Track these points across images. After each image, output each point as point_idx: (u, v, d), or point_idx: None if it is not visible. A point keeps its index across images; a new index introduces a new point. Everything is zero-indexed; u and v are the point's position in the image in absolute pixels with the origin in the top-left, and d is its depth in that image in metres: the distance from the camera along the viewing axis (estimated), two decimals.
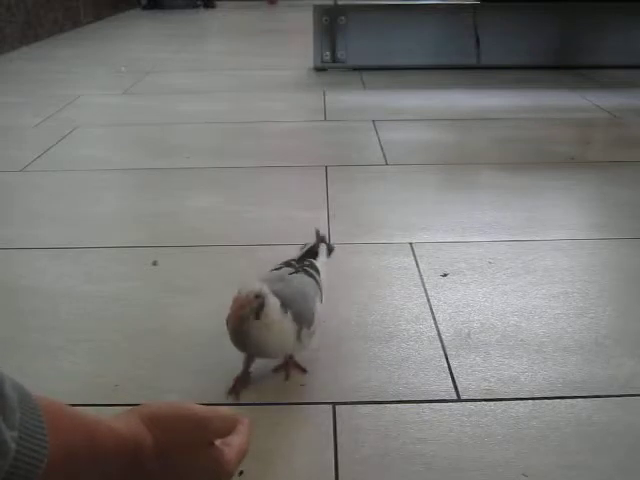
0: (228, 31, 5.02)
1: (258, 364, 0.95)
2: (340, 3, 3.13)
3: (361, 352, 0.97)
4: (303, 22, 3.54)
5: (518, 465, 0.75)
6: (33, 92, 2.76)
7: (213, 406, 0.65)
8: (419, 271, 1.20)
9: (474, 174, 1.75)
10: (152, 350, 0.98)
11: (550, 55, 3.09)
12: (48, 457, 0.47)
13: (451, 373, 0.91)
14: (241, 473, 0.72)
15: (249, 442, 0.64)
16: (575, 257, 1.25)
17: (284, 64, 3.33)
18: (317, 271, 0.95)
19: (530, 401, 0.86)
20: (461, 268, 1.21)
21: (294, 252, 1.01)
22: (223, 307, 0.83)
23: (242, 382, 0.89)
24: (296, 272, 0.93)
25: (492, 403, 0.85)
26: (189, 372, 0.93)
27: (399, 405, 0.85)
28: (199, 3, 6.27)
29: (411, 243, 1.31)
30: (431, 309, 1.07)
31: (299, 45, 3.54)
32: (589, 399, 0.86)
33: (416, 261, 1.23)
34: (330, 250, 1.04)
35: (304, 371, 0.92)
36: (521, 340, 0.99)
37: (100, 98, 2.68)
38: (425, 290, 1.13)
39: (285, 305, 0.83)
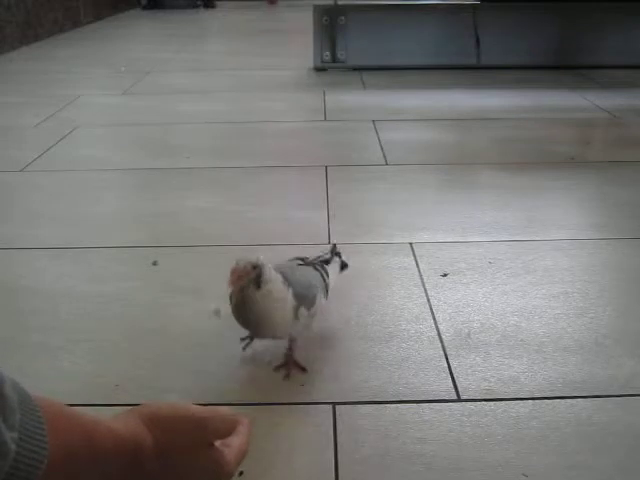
0: (228, 31, 5.01)
1: (258, 364, 0.95)
2: (340, 3, 3.13)
3: (361, 352, 0.97)
4: (303, 22, 3.54)
5: (518, 465, 0.75)
6: (33, 92, 2.76)
7: (213, 406, 0.65)
8: (419, 271, 1.20)
9: (474, 174, 1.75)
10: (152, 350, 0.98)
11: (550, 55, 3.09)
12: (48, 458, 0.47)
13: (451, 373, 0.91)
14: (241, 473, 0.72)
15: (249, 442, 0.64)
16: (575, 257, 1.25)
17: (284, 64, 3.33)
18: (326, 272, 0.96)
19: (530, 401, 0.86)
20: (461, 268, 1.21)
21: (294, 252, 1.01)
22: (223, 307, 0.83)
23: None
24: (305, 265, 0.96)
25: (492, 403, 0.85)
26: (189, 372, 0.93)
27: (399, 405, 0.85)
28: (199, 3, 6.27)
29: (411, 243, 1.31)
30: (431, 309, 1.07)
31: (299, 45, 3.54)
32: (589, 399, 0.86)
33: (416, 261, 1.23)
34: (343, 266, 1.05)
35: (304, 370, 0.92)
36: (521, 340, 0.99)
37: (100, 98, 2.68)
38: (425, 290, 1.13)
39: (287, 283, 0.85)
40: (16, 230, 1.41)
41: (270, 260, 0.86)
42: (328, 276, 0.97)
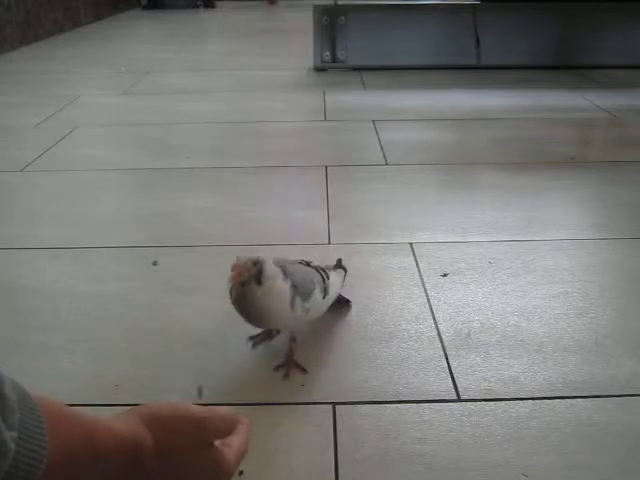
0: (228, 31, 5.02)
1: (258, 364, 0.95)
2: (340, 3, 3.13)
3: (361, 352, 0.97)
4: (303, 22, 3.54)
5: (518, 465, 0.75)
6: (33, 92, 2.76)
7: (212, 406, 0.65)
8: (419, 271, 1.20)
9: (474, 174, 1.75)
10: (152, 350, 0.98)
11: (550, 55, 3.09)
12: (48, 457, 0.47)
13: (451, 373, 0.91)
14: (241, 473, 0.72)
15: (249, 442, 0.64)
16: (575, 257, 1.25)
17: (284, 64, 3.33)
18: (327, 275, 0.97)
19: (530, 401, 0.86)
20: (461, 268, 1.21)
21: (294, 252, 1.01)
22: (223, 307, 0.84)
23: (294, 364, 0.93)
24: (307, 265, 0.97)
25: (492, 403, 0.85)
26: (189, 372, 0.93)
27: (399, 405, 0.85)
28: (199, 3, 6.27)
29: (411, 243, 1.31)
30: (431, 309, 1.07)
31: (299, 45, 3.54)
32: (589, 399, 0.86)
33: (416, 261, 1.23)
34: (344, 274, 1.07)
35: (304, 371, 0.92)
36: (521, 340, 0.99)
37: (100, 98, 2.68)
38: (425, 290, 1.13)
39: (286, 276, 0.87)
40: (16, 230, 1.41)
41: (270, 256, 0.87)
42: (328, 278, 0.97)
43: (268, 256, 0.87)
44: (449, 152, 1.93)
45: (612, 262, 1.25)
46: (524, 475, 0.74)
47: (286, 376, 0.91)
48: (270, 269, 0.84)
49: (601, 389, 0.88)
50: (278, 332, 0.99)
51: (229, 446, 0.61)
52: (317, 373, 0.92)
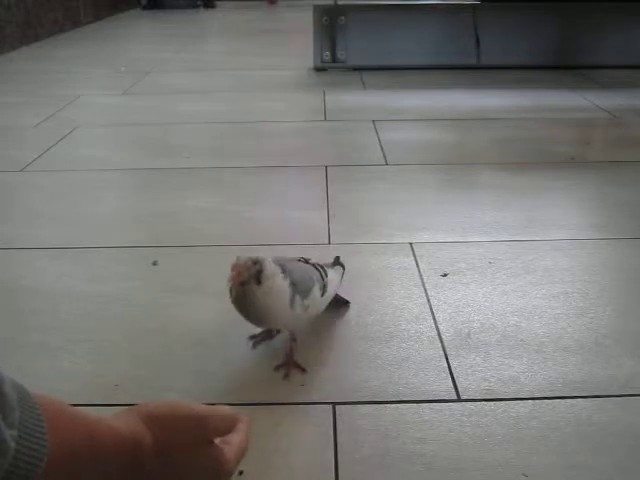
0: (228, 31, 5.02)
1: (258, 364, 0.95)
2: (340, 3, 3.13)
3: (361, 352, 0.97)
4: (303, 22, 3.54)
5: (518, 465, 0.75)
6: (33, 92, 2.76)
7: (212, 405, 0.65)
8: (419, 271, 1.20)
9: (474, 174, 1.75)
10: (152, 350, 0.98)
11: (550, 55, 3.09)
12: (48, 456, 0.47)
13: (451, 373, 0.91)
14: (241, 473, 0.72)
15: (249, 441, 0.64)
16: (575, 257, 1.25)
17: (284, 64, 3.33)
18: (325, 272, 0.97)
19: (530, 401, 0.86)
20: (461, 268, 1.21)
21: (294, 252, 1.01)
22: (223, 307, 0.84)
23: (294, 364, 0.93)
24: (305, 263, 0.97)
25: (492, 403, 0.85)
26: (189, 372, 0.93)
27: (399, 405, 0.85)
28: (199, 3, 6.27)
29: (411, 243, 1.31)
30: (431, 309, 1.07)
31: (299, 45, 3.54)
32: (589, 399, 0.86)
33: (416, 261, 1.23)
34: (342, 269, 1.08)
35: (304, 371, 0.92)
36: (521, 340, 0.99)
37: (100, 98, 2.68)
38: (425, 290, 1.13)
39: (285, 274, 0.86)
40: (16, 230, 1.41)
41: (269, 255, 0.87)
42: (327, 275, 0.97)
43: (268, 255, 0.87)
44: (449, 152, 1.93)
45: (612, 262, 1.25)
46: (524, 475, 0.74)
47: (286, 376, 0.91)
48: (270, 268, 0.84)
49: (601, 389, 0.88)
50: (278, 332, 0.99)
51: (229, 444, 0.62)
52: (317, 373, 0.92)
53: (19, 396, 0.47)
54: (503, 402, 0.86)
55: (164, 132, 2.16)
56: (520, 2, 3.09)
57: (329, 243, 1.31)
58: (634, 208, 1.48)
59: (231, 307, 0.87)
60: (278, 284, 0.85)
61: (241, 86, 2.85)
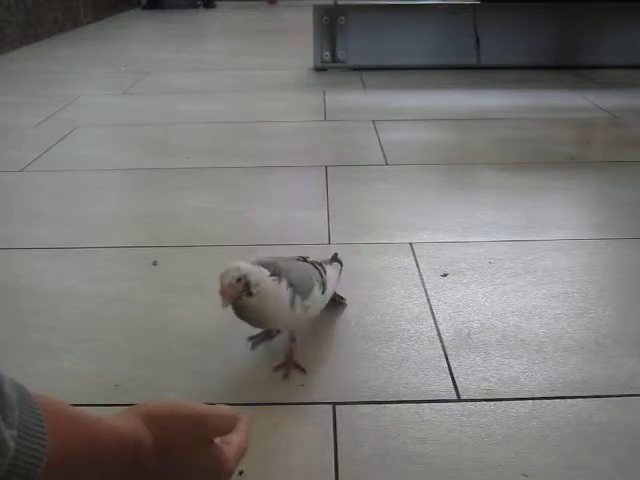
0: (228, 31, 5.02)
1: (258, 364, 0.95)
2: (340, 3, 3.13)
3: (361, 352, 0.97)
4: (303, 22, 3.54)
5: (518, 465, 0.75)
6: (33, 92, 2.76)
7: (212, 405, 0.65)
8: (419, 271, 1.20)
9: (474, 174, 1.75)
10: (152, 350, 0.98)
11: (550, 55, 3.09)
12: (48, 456, 0.47)
13: (451, 373, 0.91)
14: (241, 473, 0.72)
15: (249, 440, 0.64)
16: (575, 257, 1.25)
17: (284, 64, 3.33)
18: (324, 270, 0.97)
19: (530, 401, 0.86)
20: (461, 268, 1.21)
21: (294, 252, 1.01)
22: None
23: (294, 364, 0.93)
24: (304, 262, 0.97)
25: (492, 403, 0.85)
26: (189, 372, 0.93)
27: (399, 405, 0.85)
28: (199, 3, 6.27)
29: (411, 243, 1.31)
30: (431, 309, 1.07)
31: (299, 45, 3.54)
32: (589, 399, 0.86)
33: (416, 261, 1.23)
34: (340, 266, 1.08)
35: (304, 371, 0.92)
36: (521, 340, 0.99)
37: (100, 98, 2.68)
38: (425, 290, 1.13)
39: (278, 274, 0.86)
40: (16, 230, 1.41)
41: (255, 255, 0.87)
42: (325, 273, 0.97)
43: (253, 258, 0.86)
44: (449, 152, 1.93)
45: (612, 262, 1.25)
46: (524, 475, 0.74)
47: (286, 376, 0.91)
48: (255, 275, 0.83)
49: (601, 389, 0.88)
50: (278, 332, 0.99)
51: (229, 444, 0.61)
52: (317, 373, 0.92)
53: (19, 396, 0.47)
54: (503, 402, 0.86)
55: (164, 132, 2.16)
56: (520, 2, 3.09)
57: (329, 243, 1.31)
58: (634, 208, 1.48)
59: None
60: (271, 287, 0.84)
61: (241, 86, 2.85)
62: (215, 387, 0.90)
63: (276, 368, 0.92)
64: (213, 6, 6.25)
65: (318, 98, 2.57)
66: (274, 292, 0.85)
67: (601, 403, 0.85)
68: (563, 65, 3.06)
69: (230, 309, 0.84)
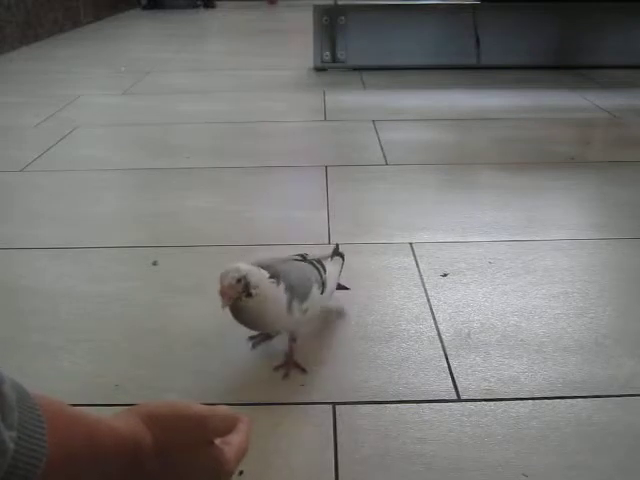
0: (228, 31, 5.02)
1: (258, 364, 0.95)
2: (340, 3, 3.13)
3: (361, 352, 0.97)
4: (303, 22, 3.54)
5: (518, 465, 0.75)
6: (33, 92, 2.76)
7: (213, 405, 0.65)
8: (419, 271, 1.20)
9: (474, 174, 1.75)
10: (152, 350, 0.98)
11: (550, 55, 3.09)
12: (47, 457, 0.47)
13: (451, 373, 0.91)
14: (241, 473, 0.72)
15: (249, 441, 0.64)
16: (575, 257, 1.25)
17: (284, 64, 3.33)
18: (324, 268, 0.97)
19: (530, 401, 0.86)
20: (461, 268, 1.21)
21: (294, 252, 1.01)
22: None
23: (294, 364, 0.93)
24: (303, 261, 0.96)
25: (492, 403, 0.85)
26: (189, 372, 0.93)
27: (399, 405, 0.85)
28: (199, 3, 6.27)
29: (411, 243, 1.31)
30: (431, 309, 1.07)
31: (299, 45, 3.54)
32: (589, 399, 0.86)
33: (416, 261, 1.23)
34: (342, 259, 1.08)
35: (304, 371, 0.92)
36: (521, 340, 0.99)
37: (100, 98, 2.68)
38: (425, 290, 1.13)
39: (277, 277, 0.85)
40: (16, 230, 1.41)
41: (254, 256, 0.87)
42: (325, 272, 0.97)
43: (257, 257, 0.86)
44: (449, 152, 1.93)
45: (612, 262, 1.25)
46: (524, 475, 0.74)
47: (286, 376, 0.91)
48: (255, 276, 0.83)
49: (601, 389, 0.88)
50: (278, 332, 0.99)
51: (229, 445, 0.61)
52: (317, 373, 0.92)
53: (19, 396, 0.47)
54: (503, 402, 0.86)
55: (164, 132, 2.16)
56: (520, 2, 3.09)
57: (329, 243, 1.31)
58: (634, 208, 1.48)
59: None
60: (271, 291, 0.84)
61: (241, 86, 2.85)
62: (215, 387, 0.90)
63: (276, 368, 0.92)
64: (213, 6, 6.25)
65: (318, 98, 2.57)
66: (273, 294, 0.85)
67: (601, 403, 0.85)
68: (563, 65, 3.06)
69: (228, 311, 0.84)
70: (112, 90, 2.78)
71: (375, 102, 2.52)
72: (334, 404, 0.86)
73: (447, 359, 0.95)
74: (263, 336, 0.98)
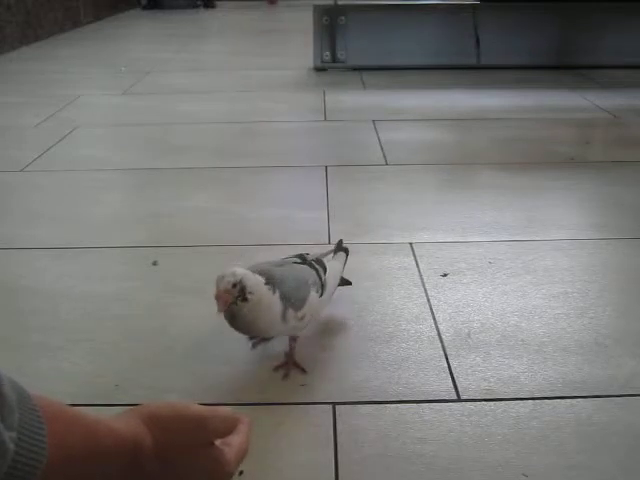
0: (228, 31, 5.02)
1: (258, 364, 0.95)
2: (340, 3, 3.13)
3: (361, 352, 0.97)
4: (303, 22, 3.54)
5: (518, 465, 0.75)
6: (33, 92, 2.76)
7: (213, 406, 0.65)
8: (419, 271, 1.20)
9: (474, 174, 1.75)
10: (152, 350, 0.98)
11: (550, 55, 3.09)
12: (47, 458, 0.47)
13: (451, 373, 0.91)
14: (241, 473, 0.72)
15: (249, 442, 0.64)
16: (575, 257, 1.25)
17: (284, 64, 3.33)
18: (324, 268, 0.96)
19: (530, 401, 0.86)
20: (461, 268, 1.21)
21: (294, 252, 1.01)
22: None
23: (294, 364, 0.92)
24: (302, 264, 0.95)
25: (492, 403, 0.85)
26: (189, 372, 0.93)
27: (399, 405, 0.85)
28: (199, 3, 6.27)
29: (411, 243, 1.31)
30: (431, 309, 1.07)
31: (299, 45, 3.54)
32: (589, 399, 0.86)
33: (416, 261, 1.23)
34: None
35: (304, 371, 0.92)
36: (521, 340, 0.99)
37: (100, 98, 2.68)
38: (425, 290, 1.13)
39: (273, 284, 0.85)
40: (16, 230, 1.41)
41: (254, 256, 0.86)
42: (325, 272, 0.96)
43: (250, 263, 0.86)
44: (449, 152, 1.93)
45: (612, 262, 1.25)
46: (524, 475, 0.74)
47: (286, 376, 0.91)
48: (251, 281, 0.82)
49: (601, 389, 0.88)
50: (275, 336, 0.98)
51: (229, 446, 0.61)
52: (317, 373, 0.92)
53: (18, 397, 0.47)
54: (503, 402, 0.86)
55: (164, 132, 2.16)
56: (520, 2, 3.09)
57: (329, 243, 1.31)
58: (634, 208, 1.48)
59: None
60: (266, 298, 0.84)
61: (241, 86, 2.85)
62: (215, 387, 0.90)
63: (276, 368, 0.92)
64: (213, 6, 6.25)
65: (318, 98, 2.57)
66: (268, 301, 0.84)
67: (601, 403, 0.85)
68: (563, 65, 3.05)
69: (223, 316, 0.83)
70: (112, 90, 2.78)
71: (375, 102, 2.52)
72: (334, 404, 0.86)
73: (447, 359, 0.95)
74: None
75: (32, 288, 1.16)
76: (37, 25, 4.17)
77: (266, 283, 0.84)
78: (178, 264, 1.25)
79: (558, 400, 0.86)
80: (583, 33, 3.06)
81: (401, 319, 1.05)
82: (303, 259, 0.97)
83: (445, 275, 1.18)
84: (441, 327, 1.02)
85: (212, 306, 1.04)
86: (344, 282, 1.06)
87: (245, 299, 0.82)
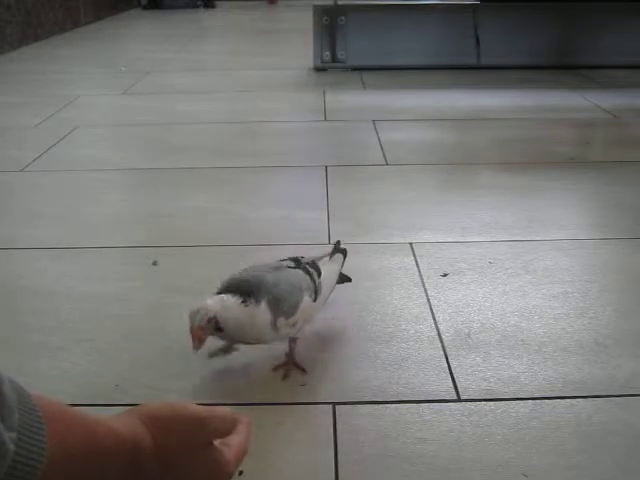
0: (228, 31, 5.02)
1: (258, 364, 0.95)
2: (340, 3, 3.13)
3: (361, 352, 0.97)
4: (303, 22, 3.54)
5: (518, 465, 0.75)
6: (33, 92, 2.76)
7: (212, 406, 0.65)
8: (419, 271, 1.20)
9: (474, 174, 1.75)
10: (152, 350, 0.98)
11: (550, 55, 3.09)
12: (47, 458, 0.47)
13: (451, 373, 0.91)
14: (241, 473, 0.72)
15: (249, 442, 0.64)
16: (575, 257, 1.25)
17: (284, 64, 3.33)
18: (318, 271, 0.96)
19: (530, 401, 0.86)
20: (461, 268, 1.21)
21: (294, 252, 1.01)
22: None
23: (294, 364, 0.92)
24: (296, 267, 0.94)
25: (492, 403, 0.85)
26: (189, 372, 0.93)
27: (399, 405, 0.85)
28: (199, 3, 6.27)
29: (411, 243, 1.31)
30: (431, 309, 1.07)
31: (299, 45, 3.54)
32: (589, 399, 0.86)
33: (416, 261, 1.23)
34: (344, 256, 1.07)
35: (304, 371, 0.92)
36: (521, 340, 0.99)
37: (100, 98, 2.68)
38: (425, 290, 1.13)
39: (258, 293, 0.84)
40: (16, 230, 1.41)
41: (253, 259, 0.86)
42: (319, 276, 0.95)
43: (251, 262, 0.86)
44: (449, 152, 1.93)
45: (612, 262, 1.25)
46: (524, 475, 0.74)
47: (286, 376, 0.91)
48: (225, 314, 0.82)
49: (601, 389, 0.88)
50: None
51: (229, 446, 0.61)
52: (317, 373, 0.92)
53: (18, 397, 0.47)
54: (503, 402, 0.86)
55: (164, 132, 2.16)
56: (520, 2, 3.09)
57: (329, 243, 1.31)
58: (634, 208, 1.48)
59: None
60: (243, 317, 0.83)
61: (241, 86, 2.85)
62: (215, 387, 0.90)
63: (276, 368, 0.92)
64: (213, 6, 6.25)
65: (318, 98, 2.57)
66: (249, 320, 0.84)
67: (601, 403, 0.85)
68: (563, 65, 3.05)
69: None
70: (112, 90, 2.79)
71: (375, 102, 2.52)
72: (334, 404, 0.86)
73: (447, 359, 0.95)
74: None
75: (32, 288, 1.16)
76: (37, 25, 4.17)
77: (243, 301, 0.84)
78: (178, 264, 1.25)
79: (558, 400, 0.86)
80: (583, 33, 3.06)
81: (401, 319, 1.05)
82: (297, 262, 0.95)
83: (445, 275, 1.18)
84: (441, 327, 1.02)
85: None
86: (344, 279, 1.06)
87: (219, 329, 0.82)
